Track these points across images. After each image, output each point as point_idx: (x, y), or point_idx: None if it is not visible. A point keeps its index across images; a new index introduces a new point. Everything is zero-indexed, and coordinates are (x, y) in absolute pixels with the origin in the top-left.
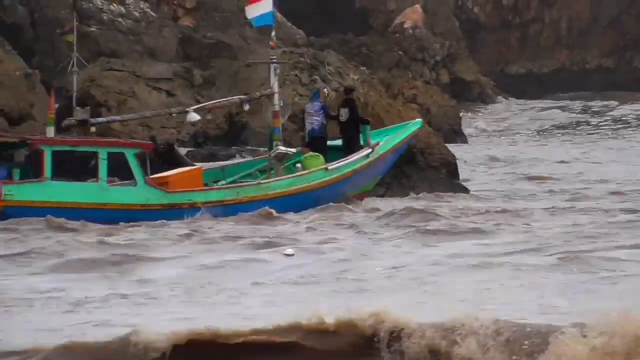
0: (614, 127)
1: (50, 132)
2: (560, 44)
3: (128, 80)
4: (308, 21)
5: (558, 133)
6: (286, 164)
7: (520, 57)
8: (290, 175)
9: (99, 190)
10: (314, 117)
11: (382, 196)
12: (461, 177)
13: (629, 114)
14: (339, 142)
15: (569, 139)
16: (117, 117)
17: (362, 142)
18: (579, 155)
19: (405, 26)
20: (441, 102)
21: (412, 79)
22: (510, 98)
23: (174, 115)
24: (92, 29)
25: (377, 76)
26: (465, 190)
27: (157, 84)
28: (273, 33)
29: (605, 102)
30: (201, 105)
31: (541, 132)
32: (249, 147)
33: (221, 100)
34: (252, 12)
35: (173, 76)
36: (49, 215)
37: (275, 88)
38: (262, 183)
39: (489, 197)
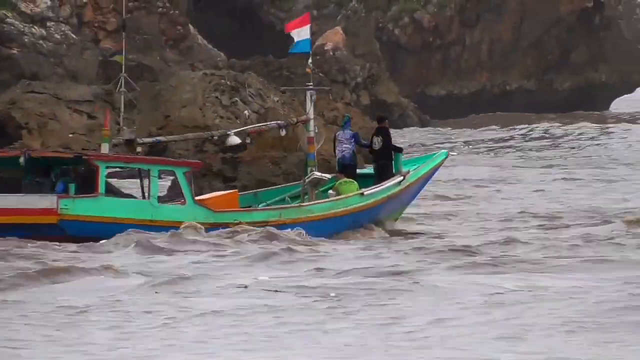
0: (530, 146)
1: (105, 148)
2: (481, 66)
3: (49, 103)
4: (229, 43)
5: (479, 152)
6: (320, 190)
7: (441, 79)
8: (329, 199)
9: (150, 207)
10: (345, 145)
11: None
12: None
13: (548, 134)
14: (367, 170)
15: (488, 159)
16: (162, 138)
17: (394, 170)
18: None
19: (326, 48)
20: (362, 124)
21: (333, 100)
22: (433, 120)
23: (215, 137)
24: (14, 51)
25: (297, 98)
26: None
27: (78, 106)
28: (310, 60)
29: (524, 125)
30: (243, 128)
31: (462, 153)
32: None
33: (260, 124)
34: (294, 36)
35: (94, 98)
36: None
37: (311, 114)
38: (303, 206)
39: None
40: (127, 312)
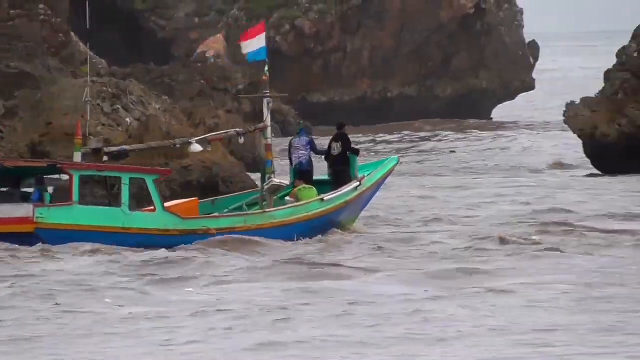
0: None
1: (78, 157)
2: (362, 73)
3: None
4: (111, 51)
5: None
6: (277, 196)
7: (321, 86)
8: (291, 205)
9: (121, 215)
10: (301, 151)
11: None
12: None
13: (427, 140)
14: (322, 176)
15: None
16: (127, 147)
17: (351, 175)
18: None
19: (207, 55)
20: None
21: (214, 108)
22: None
23: (177, 145)
24: None
25: (178, 105)
26: None
27: None
28: (266, 67)
29: (406, 132)
30: (203, 136)
31: None
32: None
33: (220, 132)
34: (247, 47)
35: None
36: None
37: (268, 121)
38: (266, 212)
39: None
40: None
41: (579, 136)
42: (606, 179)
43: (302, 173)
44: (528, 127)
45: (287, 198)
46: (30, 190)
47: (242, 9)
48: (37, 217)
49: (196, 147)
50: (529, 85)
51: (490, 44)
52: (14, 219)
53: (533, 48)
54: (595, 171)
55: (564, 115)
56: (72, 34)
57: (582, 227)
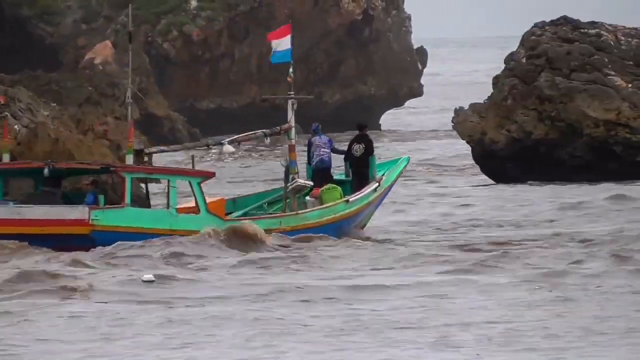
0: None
1: (130, 159)
2: (251, 80)
3: None
4: None
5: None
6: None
7: (210, 93)
8: (320, 207)
9: (169, 217)
10: (323, 150)
11: None
12: None
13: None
14: (338, 175)
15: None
16: (165, 147)
17: (370, 176)
18: None
19: (95, 62)
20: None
21: (103, 115)
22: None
23: (210, 146)
24: None
25: (67, 112)
26: None
27: None
28: (291, 69)
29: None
30: (234, 137)
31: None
32: None
33: (249, 133)
34: (276, 46)
35: None
36: None
37: (292, 122)
38: (299, 214)
39: None
40: None
41: (467, 142)
42: (496, 187)
43: (324, 171)
44: (415, 133)
45: (307, 198)
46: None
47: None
48: (92, 219)
49: (228, 148)
50: (418, 92)
51: (378, 51)
52: (70, 220)
53: (421, 54)
54: (486, 178)
55: (452, 121)
56: None
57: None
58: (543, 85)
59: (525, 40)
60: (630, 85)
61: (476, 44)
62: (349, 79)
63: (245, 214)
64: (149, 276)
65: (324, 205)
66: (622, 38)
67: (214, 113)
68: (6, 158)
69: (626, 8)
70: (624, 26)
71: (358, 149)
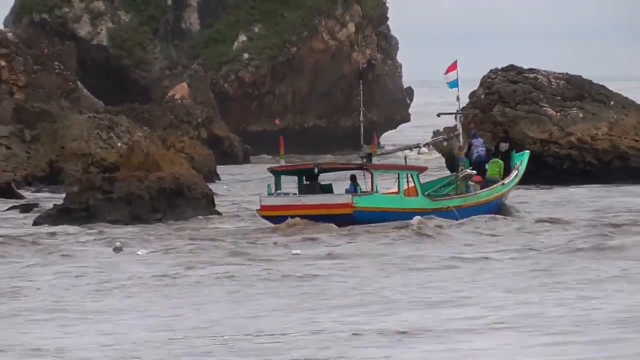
0: None
1: (282, 162)
2: (286, 110)
3: None
4: (106, 95)
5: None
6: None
7: (257, 120)
8: (489, 188)
9: (401, 200)
10: (480, 148)
11: (159, 220)
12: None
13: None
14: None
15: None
16: (384, 151)
17: (511, 165)
18: None
19: (175, 97)
20: (201, 152)
21: (181, 135)
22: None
23: (412, 148)
24: None
25: (155, 134)
26: (219, 213)
27: None
28: (457, 94)
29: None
30: (426, 142)
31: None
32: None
33: (436, 138)
34: (447, 79)
35: (9, 134)
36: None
37: (460, 130)
38: (477, 193)
39: (238, 217)
40: None
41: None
42: None
43: (480, 164)
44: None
45: (470, 182)
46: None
47: (200, 64)
48: (354, 203)
49: (424, 150)
50: (407, 119)
51: (378, 89)
52: (338, 204)
53: (409, 92)
54: None
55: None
56: (79, 82)
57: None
58: (496, 114)
59: (483, 82)
60: (558, 114)
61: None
62: (358, 109)
63: (430, 195)
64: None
65: (489, 188)
66: (553, 80)
67: (260, 134)
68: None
69: (560, 55)
70: (554, 72)
71: (504, 146)
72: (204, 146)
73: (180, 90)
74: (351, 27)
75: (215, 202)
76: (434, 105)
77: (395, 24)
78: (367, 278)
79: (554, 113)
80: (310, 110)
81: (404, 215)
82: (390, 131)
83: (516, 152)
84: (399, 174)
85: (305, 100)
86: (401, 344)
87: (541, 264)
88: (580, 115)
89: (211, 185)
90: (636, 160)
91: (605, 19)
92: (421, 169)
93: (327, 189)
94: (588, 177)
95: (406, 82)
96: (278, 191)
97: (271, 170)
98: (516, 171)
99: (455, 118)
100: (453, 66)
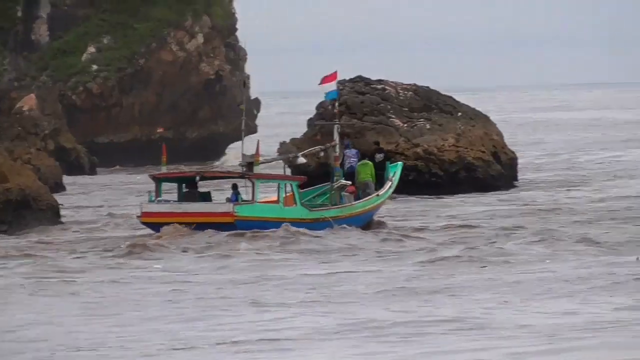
0: None
1: (258, 169)
2: (134, 121)
3: None
4: None
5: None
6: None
7: (106, 131)
8: (364, 199)
9: (280, 209)
10: (352, 159)
11: (4, 232)
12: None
13: None
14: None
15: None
16: (264, 160)
17: (385, 177)
18: None
19: (23, 109)
20: (48, 163)
21: (28, 147)
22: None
23: (291, 158)
24: None
25: (2, 145)
26: (63, 223)
27: None
28: (337, 103)
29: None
30: (304, 152)
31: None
32: None
33: (313, 148)
34: (325, 89)
35: None
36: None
37: (337, 141)
38: (353, 204)
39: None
40: None
41: (288, 166)
42: None
43: (353, 174)
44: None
45: (344, 193)
46: None
47: (49, 75)
48: (235, 212)
49: (301, 160)
50: (254, 130)
51: (226, 100)
52: (220, 213)
53: (256, 103)
54: None
55: (277, 151)
56: None
57: None
58: (343, 125)
59: None
60: (405, 125)
61: (291, 95)
62: (205, 121)
63: (308, 205)
64: None
65: (365, 198)
66: (401, 91)
67: (108, 146)
68: (257, 169)
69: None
70: (402, 83)
71: (379, 157)
72: (51, 157)
73: (28, 102)
74: (200, 38)
75: (61, 213)
76: (286, 115)
77: (244, 35)
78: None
79: (401, 124)
80: (158, 122)
81: (282, 224)
82: (237, 142)
83: (390, 163)
84: (279, 184)
85: (152, 111)
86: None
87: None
88: (428, 126)
89: (57, 196)
90: (482, 172)
91: (460, 29)
92: (301, 179)
93: (206, 197)
94: (434, 188)
95: (254, 92)
96: (159, 198)
97: (153, 177)
98: (390, 182)
99: (334, 129)
100: (332, 76)
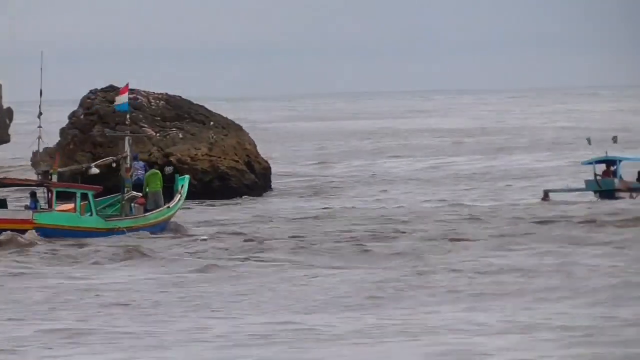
0: None
1: (55, 178)
2: None
3: None
4: None
5: None
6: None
7: None
8: (157, 211)
9: (77, 218)
10: (140, 171)
11: None
12: None
13: None
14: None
15: None
16: (66, 169)
17: (175, 189)
18: None
19: None
20: None
21: None
22: None
23: (83, 168)
24: None
25: None
26: None
27: None
28: (128, 115)
29: None
30: (97, 162)
31: None
32: None
33: (105, 159)
34: (118, 101)
35: None
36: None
37: (128, 152)
38: (146, 216)
39: None
40: None
41: (37, 175)
42: None
43: (139, 185)
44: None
45: (133, 204)
46: None
47: None
48: (34, 219)
49: (94, 170)
50: (7, 139)
51: None
52: (19, 220)
53: (9, 112)
54: None
55: (30, 160)
56: None
57: None
58: (96, 135)
59: (83, 102)
60: (158, 134)
61: (44, 104)
62: None
63: (103, 215)
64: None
65: (159, 210)
66: (153, 100)
67: None
68: (55, 178)
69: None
70: (154, 92)
71: (168, 170)
72: None
73: None
74: None
75: None
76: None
77: None
78: None
79: (154, 133)
80: None
81: (80, 233)
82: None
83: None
84: (76, 193)
85: None
86: None
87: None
88: (180, 135)
89: None
90: (236, 181)
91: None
92: (96, 189)
93: (2, 204)
94: (190, 195)
95: (6, 102)
96: None
97: None
98: (179, 195)
99: (125, 141)
100: (124, 89)
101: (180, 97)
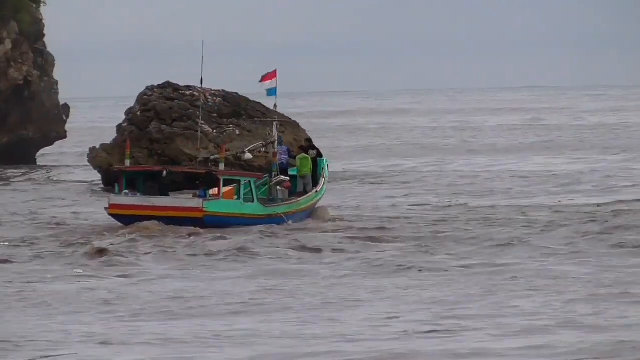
0: None
1: (222, 166)
2: None
3: None
4: None
5: None
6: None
7: None
8: (305, 197)
9: (240, 205)
10: (283, 156)
11: None
12: None
13: None
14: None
15: None
16: (218, 156)
17: (319, 173)
18: None
19: None
20: None
21: None
22: None
23: (239, 154)
24: None
25: None
26: None
27: None
28: (276, 100)
29: None
30: (250, 147)
31: None
32: None
33: (256, 144)
34: (266, 86)
35: None
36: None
37: (276, 137)
38: (299, 201)
39: None
40: None
41: (98, 172)
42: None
43: (283, 170)
44: (66, 167)
45: (278, 188)
46: None
47: None
48: (204, 207)
49: (248, 156)
50: (63, 135)
51: (35, 106)
52: (189, 208)
53: (66, 109)
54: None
55: (87, 157)
56: None
57: None
58: (152, 131)
59: (139, 98)
60: (215, 131)
61: (102, 103)
62: (15, 126)
63: (264, 201)
64: None
65: (306, 195)
66: (209, 97)
67: None
68: (222, 167)
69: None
70: (210, 88)
71: (312, 153)
72: None
73: None
74: (8, 44)
75: None
76: (99, 121)
77: (53, 41)
78: None
79: (210, 130)
80: None
81: (243, 220)
82: (47, 147)
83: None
84: (240, 180)
85: None
86: None
87: None
88: (237, 132)
89: None
90: None
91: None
92: (259, 177)
93: (165, 191)
94: None
95: (63, 98)
96: (125, 191)
97: (119, 170)
98: (323, 179)
99: (273, 126)
100: (272, 74)
101: (237, 93)
